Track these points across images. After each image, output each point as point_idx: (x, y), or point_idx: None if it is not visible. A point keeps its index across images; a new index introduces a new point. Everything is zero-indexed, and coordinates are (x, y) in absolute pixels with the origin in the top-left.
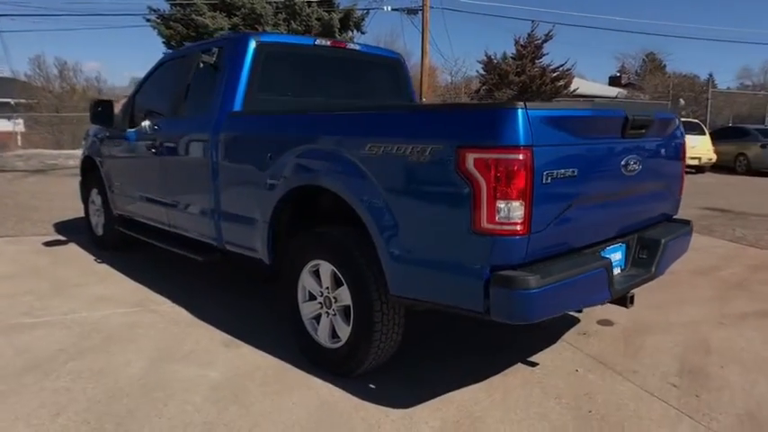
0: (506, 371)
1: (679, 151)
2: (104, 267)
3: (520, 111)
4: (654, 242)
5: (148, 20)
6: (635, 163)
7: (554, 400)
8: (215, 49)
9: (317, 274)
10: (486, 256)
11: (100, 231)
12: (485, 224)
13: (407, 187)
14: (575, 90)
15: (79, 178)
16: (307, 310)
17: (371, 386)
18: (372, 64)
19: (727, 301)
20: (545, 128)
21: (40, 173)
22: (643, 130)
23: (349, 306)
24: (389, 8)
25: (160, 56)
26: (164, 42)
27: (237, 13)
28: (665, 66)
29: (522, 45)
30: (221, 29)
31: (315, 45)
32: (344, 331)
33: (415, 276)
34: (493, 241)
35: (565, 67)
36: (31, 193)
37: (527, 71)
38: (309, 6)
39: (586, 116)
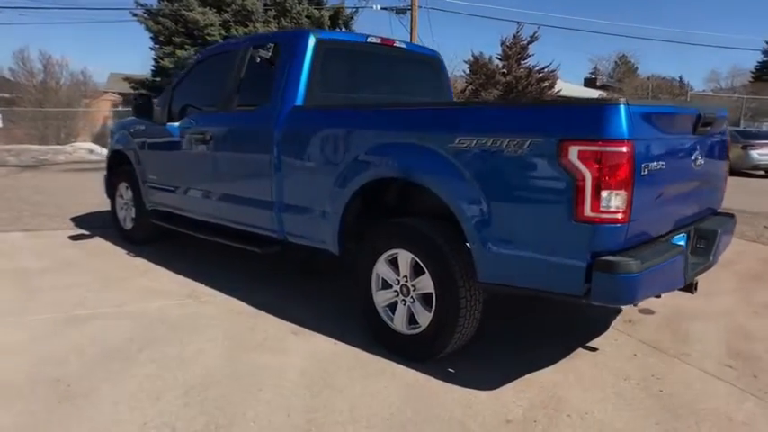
0: (571, 355)
1: (726, 148)
2: (141, 261)
3: (623, 106)
4: (711, 233)
5: (135, 15)
6: (701, 157)
7: (624, 381)
8: (270, 45)
9: (393, 263)
10: (587, 243)
11: (129, 225)
12: (588, 213)
13: (503, 179)
14: (558, 91)
15: (104, 173)
16: (381, 298)
17: (450, 370)
18: (416, 61)
19: (751, 291)
20: (641, 123)
21: (33, 168)
22: (708, 128)
23: (430, 293)
24: (378, 7)
25: (146, 52)
26: (152, 38)
27: (228, 10)
28: (636, 68)
29: (507, 46)
30: (211, 25)
31: (366, 42)
32: (425, 317)
33: (507, 264)
34: (595, 229)
35: (549, 69)
36: (32, 189)
37: (513, 72)
38: (300, 4)
39: (672, 113)
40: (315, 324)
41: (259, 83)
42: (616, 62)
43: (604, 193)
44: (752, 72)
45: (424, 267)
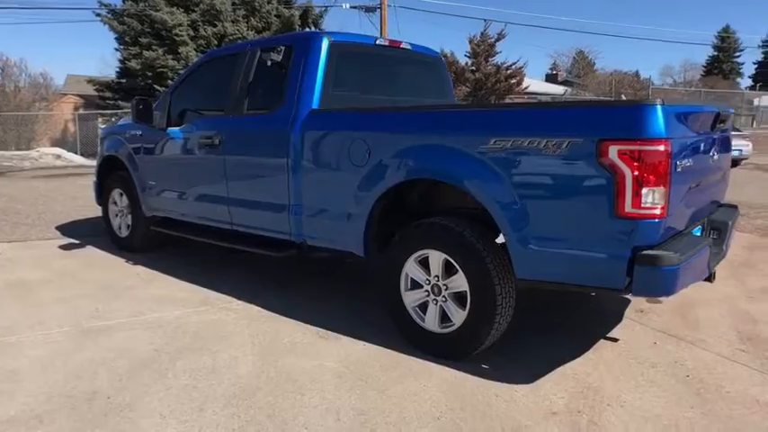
0: (595, 346)
1: (731, 143)
2: (142, 269)
3: (659, 107)
4: (723, 224)
5: (99, 15)
6: (717, 153)
7: (652, 369)
8: (281, 48)
9: (423, 263)
10: (628, 239)
11: (124, 233)
12: (629, 209)
13: (541, 178)
14: (526, 87)
15: (94, 179)
16: (410, 298)
17: (484, 366)
18: (420, 62)
19: (744, 278)
20: (674, 122)
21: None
22: (723, 124)
23: (464, 292)
24: (348, 5)
25: (104, 53)
26: (116, 39)
27: (195, 9)
28: (594, 64)
29: (476, 44)
30: (180, 25)
31: (375, 44)
32: (459, 316)
33: (547, 261)
34: (636, 224)
35: (517, 66)
36: (5, 197)
37: (482, 69)
38: (269, 3)
39: (697, 112)
40: (338, 327)
41: (270, 86)
42: (574, 58)
43: (645, 190)
44: (703, 66)
45: (458, 267)
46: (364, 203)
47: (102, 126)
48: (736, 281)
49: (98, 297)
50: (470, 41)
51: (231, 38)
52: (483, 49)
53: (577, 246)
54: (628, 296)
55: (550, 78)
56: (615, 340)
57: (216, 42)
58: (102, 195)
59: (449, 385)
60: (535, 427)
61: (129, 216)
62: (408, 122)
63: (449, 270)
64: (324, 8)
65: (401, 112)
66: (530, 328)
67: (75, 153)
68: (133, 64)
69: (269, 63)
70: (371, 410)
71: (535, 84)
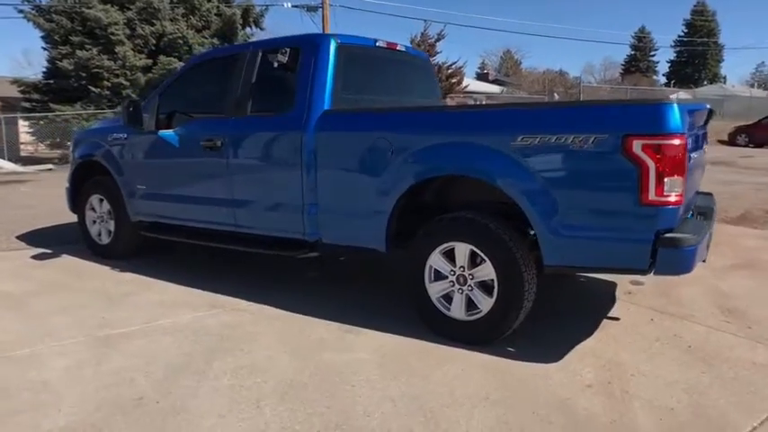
0: (600, 326)
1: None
2: (132, 276)
3: (676, 105)
4: (708, 209)
5: (22, 11)
6: (703, 145)
7: (657, 342)
8: (286, 49)
9: (447, 255)
10: (652, 224)
11: (105, 240)
12: (652, 197)
13: (569, 171)
14: (466, 86)
15: (66, 185)
16: (435, 289)
17: (510, 349)
18: (412, 63)
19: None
20: (687, 119)
21: None
22: (710, 120)
23: (491, 280)
24: (289, 4)
25: (13, 52)
26: (43, 37)
27: (131, 7)
28: (521, 63)
29: (417, 44)
30: (116, 23)
31: (375, 46)
32: (486, 303)
33: (574, 247)
34: (659, 211)
35: (457, 66)
36: None
37: None
38: (209, 2)
39: (700, 110)
40: (356, 321)
41: (276, 88)
42: (502, 57)
43: (667, 179)
44: (622, 65)
45: (485, 257)
46: (387, 201)
47: (76, 130)
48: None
49: (98, 306)
50: (412, 42)
51: (171, 37)
52: (424, 48)
53: (604, 232)
54: (638, 277)
55: (482, 77)
56: (617, 319)
57: (154, 42)
58: (78, 202)
59: (486, 368)
60: (577, 399)
61: (112, 222)
62: (434, 122)
63: (473, 261)
64: (264, 7)
65: (427, 111)
66: (539, 314)
67: (3, 159)
68: (65, 64)
69: (274, 65)
70: (423, 395)
71: (473, 83)
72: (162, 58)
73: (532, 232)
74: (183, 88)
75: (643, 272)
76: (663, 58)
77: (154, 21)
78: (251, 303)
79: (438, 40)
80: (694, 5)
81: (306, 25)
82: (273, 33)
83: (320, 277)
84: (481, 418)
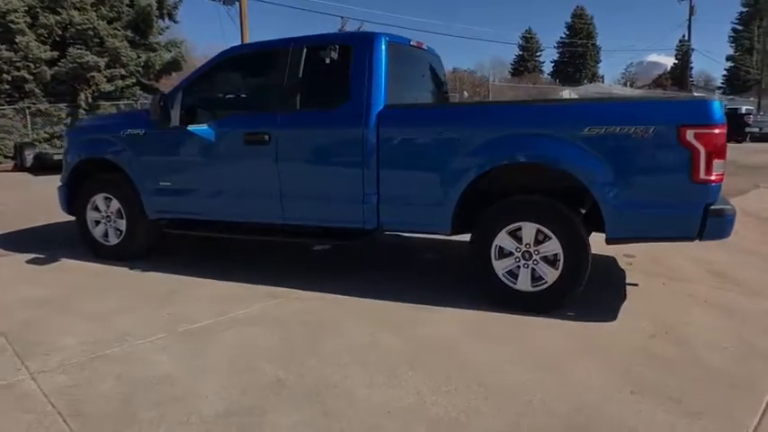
0: (629, 290)
1: None
2: (159, 275)
3: (717, 102)
4: None
5: None
6: None
7: (681, 300)
8: (336, 46)
9: (512, 234)
10: (702, 198)
11: (113, 240)
12: (702, 176)
13: (632, 156)
14: None
15: (59, 185)
16: (501, 265)
17: (570, 314)
18: (429, 60)
19: None
20: (723, 112)
21: None
22: None
23: (556, 254)
24: None
25: None
26: None
27: None
28: None
29: None
30: (15, 11)
31: (409, 45)
32: (551, 275)
33: (635, 221)
34: (707, 188)
35: None
36: None
37: None
38: None
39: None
40: (423, 299)
41: (326, 83)
42: None
43: (714, 161)
44: (511, 64)
45: (551, 234)
46: (455, 188)
47: (67, 128)
48: None
49: (152, 304)
50: None
51: (79, 27)
52: None
53: (661, 207)
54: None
55: None
56: (636, 285)
57: (60, 32)
58: (75, 202)
59: (562, 329)
60: (651, 345)
61: (123, 221)
62: (505, 116)
63: (538, 238)
64: None
65: (497, 106)
66: None
67: None
68: None
69: (326, 61)
70: (531, 351)
71: None
72: (72, 50)
73: (583, 211)
74: (213, 84)
75: (692, 239)
76: (547, 59)
77: (59, 9)
78: (308, 292)
79: None
80: (574, 9)
81: (222, 20)
82: (188, 28)
83: (348, 263)
84: (586, 365)
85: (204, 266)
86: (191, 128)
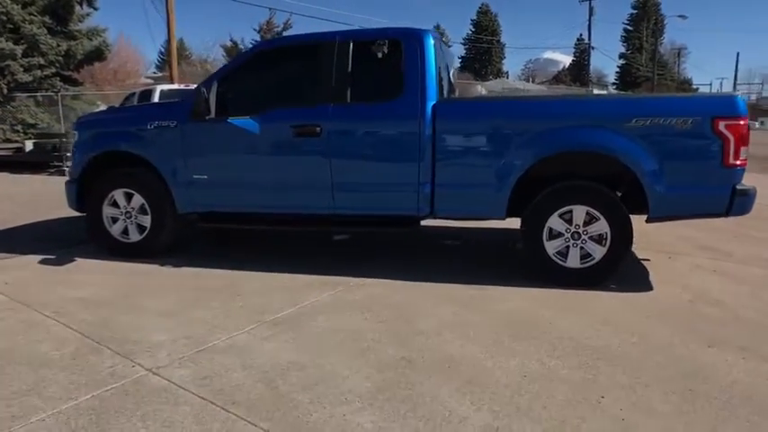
0: (647, 266)
1: None
2: (196, 270)
3: (740, 96)
4: None
5: None
6: None
7: (694, 271)
8: (385, 41)
9: (563, 216)
10: (731, 180)
11: (134, 237)
12: (732, 161)
13: (672, 144)
14: None
15: (68, 180)
16: (552, 246)
17: (613, 286)
18: (449, 55)
19: None
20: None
21: None
22: None
23: (601, 234)
24: None
25: None
26: None
27: None
28: None
29: (264, 32)
30: None
31: (441, 40)
32: (599, 252)
33: (675, 201)
34: (735, 171)
35: None
36: None
37: None
38: None
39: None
40: (479, 280)
41: (377, 77)
42: None
43: (741, 149)
44: None
45: (600, 215)
46: (511, 176)
47: (76, 121)
48: None
49: (219, 298)
50: (258, 30)
51: None
52: (270, 36)
53: (697, 188)
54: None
55: None
56: (648, 260)
57: None
58: (87, 199)
59: (619, 300)
60: (694, 307)
61: (147, 217)
62: (564, 109)
63: (586, 220)
64: None
65: (557, 101)
66: None
67: None
68: None
69: (377, 55)
70: (607, 319)
71: None
72: None
73: (619, 194)
74: (249, 76)
75: (721, 215)
76: (456, 54)
77: None
78: (360, 279)
79: (285, 29)
80: (479, 7)
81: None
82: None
83: (374, 252)
84: (652, 325)
85: (230, 260)
86: (232, 120)
